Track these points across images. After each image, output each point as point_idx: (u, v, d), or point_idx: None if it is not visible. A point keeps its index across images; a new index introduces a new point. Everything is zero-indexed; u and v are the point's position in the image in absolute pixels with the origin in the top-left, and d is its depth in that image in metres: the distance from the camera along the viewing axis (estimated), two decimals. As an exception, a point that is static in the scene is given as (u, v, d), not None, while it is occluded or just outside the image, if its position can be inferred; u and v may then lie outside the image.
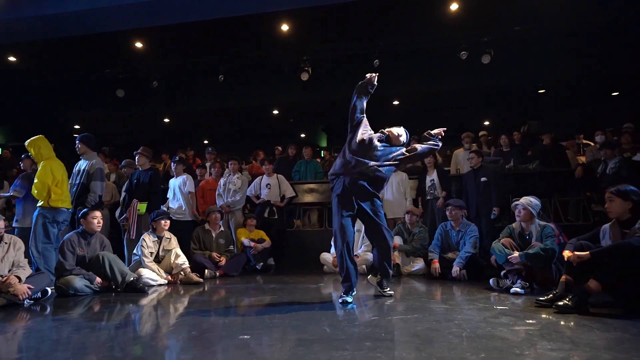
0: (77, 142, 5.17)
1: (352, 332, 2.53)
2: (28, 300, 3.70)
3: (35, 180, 4.58)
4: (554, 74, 9.38)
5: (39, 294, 3.88)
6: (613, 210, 3.26)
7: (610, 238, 3.23)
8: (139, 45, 9.03)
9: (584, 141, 8.05)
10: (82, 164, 5.11)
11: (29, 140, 4.76)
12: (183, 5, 6.49)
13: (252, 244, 5.82)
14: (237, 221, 6.32)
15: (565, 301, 2.93)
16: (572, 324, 2.65)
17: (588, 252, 3.07)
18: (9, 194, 5.47)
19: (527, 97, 10.97)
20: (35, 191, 4.58)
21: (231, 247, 5.80)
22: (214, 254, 5.52)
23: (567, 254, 3.21)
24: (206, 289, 4.57)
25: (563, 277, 3.21)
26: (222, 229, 5.85)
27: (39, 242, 4.51)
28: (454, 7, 7.66)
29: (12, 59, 9.43)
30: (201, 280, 4.94)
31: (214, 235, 5.73)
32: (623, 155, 5.57)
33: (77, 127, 12.63)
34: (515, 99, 11.04)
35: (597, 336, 2.34)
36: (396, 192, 6.18)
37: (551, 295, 3.13)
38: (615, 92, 10.68)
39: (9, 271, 3.72)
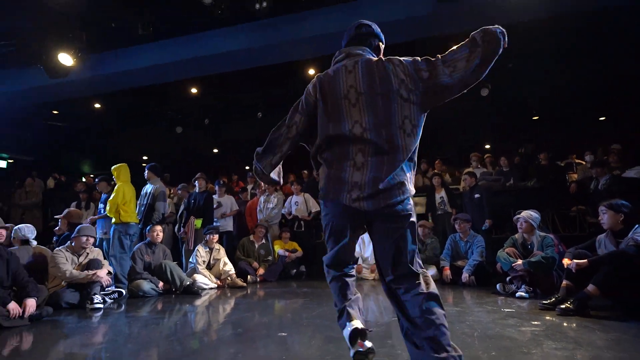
0: (145, 170, 5.34)
1: (375, 331, 2.47)
2: (106, 300, 3.83)
3: (110, 198, 4.76)
4: (546, 102, 9.16)
5: (116, 295, 4.01)
6: (606, 222, 3.11)
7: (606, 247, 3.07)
8: (193, 90, 9.39)
9: (576, 160, 7.75)
10: (148, 188, 5.25)
11: (115, 166, 4.96)
12: (228, 58, 6.71)
13: (287, 253, 5.81)
14: (274, 234, 6.35)
15: (567, 304, 2.79)
16: (574, 325, 2.51)
17: (586, 260, 2.92)
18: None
19: (522, 123, 10.72)
20: (108, 207, 4.76)
21: (269, 258, 5.81)
22: (255, 264, 5.54)
23: (566, 261, 3.06)
24: (249, 292, 4.58)
25: (564, 283, 3.06)
26: (263, 241, 5.88)
27: (117, 252, 4.63)
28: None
29: (97, 105, 9.99)
30: (245, 284, 4.95)
31: (256, 246, 5.76)
32: (613, 173, 5.32)
33: (145, 158, 13.13)
34: (511, 125, 10.81)
35: (598, 337, 2.21)
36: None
37: (553, 299, 2.99)
38: (602, 117, 10.30)
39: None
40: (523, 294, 3.54)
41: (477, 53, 1.44)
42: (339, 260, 1.69)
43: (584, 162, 7.17)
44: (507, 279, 3.82)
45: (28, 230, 4.04)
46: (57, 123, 10.90)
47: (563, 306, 2.79)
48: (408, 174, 1.53)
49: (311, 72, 8.34)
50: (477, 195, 5.53)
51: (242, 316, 3.18)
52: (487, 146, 12.67)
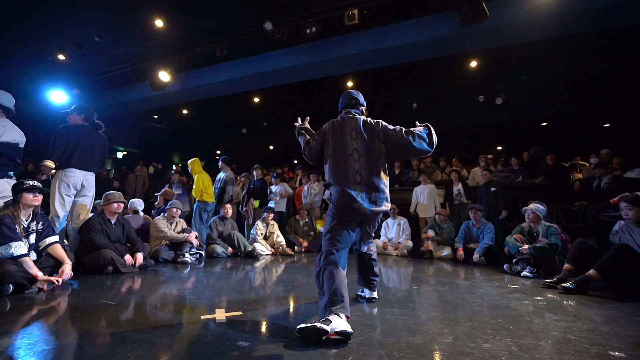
0: (219, 161, 5.58)
1: (399, 296, 2.46)
2: (191, 258, 4.02)
3: (194, 187, 5.03)
4: (553, 111, 8.40)
5: (198, 255, 4.20)
6: (632, 217, 2.73)
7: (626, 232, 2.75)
8: (256, 100, 9.63)
9: (581, 162, 7.07)
10: (221, 175, 5.48)
11: (189, 161, 5.22)
12: (282, 74, 6.78)
13: (326, 230, 5.82)
14: (316, 215, 6.41)
15: (568, 284, 2.59)
16: (573, 302, 2.33)
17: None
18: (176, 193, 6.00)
19: (531, 128, 9.90)
20: (194, 192, 5.04)
21: (311, 233, 5.88)
22: (300, 239, 5.60)
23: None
24: (295, 259, 4.64)
25: (566, 266, 2.84)
26: (306, 220, 5.96)
27: (197, 222, 4.88)
28: (473, 64, 7.20)
29: (184, 111, 10.55)
30: (292, 253, 5.03)
31: (301, 223, 5.86)
32: (614, 173, 4.81)
33: (218, 152, 13.73)
34: (522, 130, 10.02)
35: (595, 313, 2.04)
36: (427, 199, 5.87)
37: (555, 279, 2.79)
38: (606, 124, 9.27)
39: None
40: (527, 273, 3.33)
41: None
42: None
43: (587, 164, 6.53)
44: (514, 260, 3.61)
45: (138, 203, 4.40)
46: (157, 124, 11.72)
47: (564, 285, 2.60)
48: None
49: (349, 84, 8.24)
50: (493, 189, 5.27)
51: (290, 277, 3.23)
52: (499, 148, 11.89)
